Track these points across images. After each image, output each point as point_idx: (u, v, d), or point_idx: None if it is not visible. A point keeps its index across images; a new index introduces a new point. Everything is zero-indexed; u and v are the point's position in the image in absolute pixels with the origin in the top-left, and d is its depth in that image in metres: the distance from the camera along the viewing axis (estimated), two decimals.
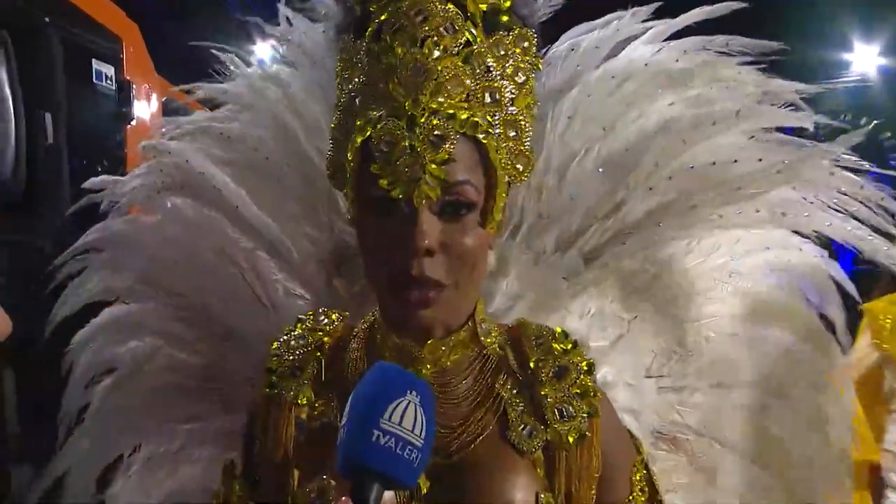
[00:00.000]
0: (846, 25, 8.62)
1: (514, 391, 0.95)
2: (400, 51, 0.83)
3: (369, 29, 0.86)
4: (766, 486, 1.26)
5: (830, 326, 1.31)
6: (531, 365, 0.96)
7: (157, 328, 1.47)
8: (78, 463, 1.51)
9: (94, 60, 2.85)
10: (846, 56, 9.10)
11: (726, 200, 1.24)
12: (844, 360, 1.33)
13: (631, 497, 0.99)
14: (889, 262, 1.24)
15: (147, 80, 3.23)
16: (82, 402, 1.53)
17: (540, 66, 0.93)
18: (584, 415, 0.94)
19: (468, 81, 0.84)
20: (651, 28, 1.36)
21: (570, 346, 0.98)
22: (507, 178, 0.89)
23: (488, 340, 0.96)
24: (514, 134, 0.89)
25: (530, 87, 0.91)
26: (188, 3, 6.89)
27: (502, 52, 0.87)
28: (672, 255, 1.27)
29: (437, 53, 0.82)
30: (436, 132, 0.81)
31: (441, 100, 0.82)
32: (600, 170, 1.27)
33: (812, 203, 1.26)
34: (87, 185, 1.63)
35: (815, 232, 1.29)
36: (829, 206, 1.26)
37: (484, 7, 0.86)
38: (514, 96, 0.88)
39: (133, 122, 3.05)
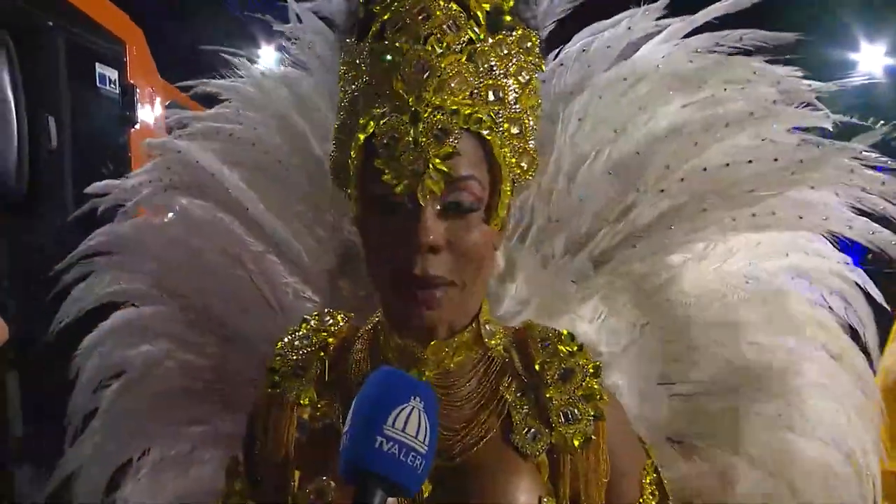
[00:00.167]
0: (852, 25, 8.60)
1: (519, 394, 0.94)
2: (403, 48, 0.83)
3: (372, 29, 0.86)
4: (782, 497, 1.23)
5: (854, 334, 1.28)
6: (536, 367, 0.95)
7: (167, 331, 1.47)
8: (87, 466, 1.52)
9: (97, 64, 2.86)
10: (852, 56, 9.08)
11: (740, 203, 1.22)
12: (870, 369, 1.30)
13: (641, 501, 0.98)
14: None
15: (151, 84, 3.24)
16: (90, 407, 1.54)
17: (543, 66, 0.92)
18: (590, 418, 0.92)
19: (471, 79, 0.84)
20: (664, 26, 1.34)
21: (576, 349, 0.97)
22: (511, 176, 0.88)
23: (493, 342, 0.95)
24: (517, 132, 0.88)
25: (534, 87, 0.91)
26: (188, 3, 6.88)
27: (505, 52, 0.87)
28: (686, 260, 1.26)
29: (440, 50, 0.82)
30: (439, 127, 0.81)
31: (444, 96, 0.82)
32: (610, 173, 1.26)
33: (830, 204, 1.24)
34: (90, 189, 1.64)
35: (831, 233, 1.26)
36: (849, 207, 1.24)
37: (487, 7, 0.86)
38: (517, 95, 0.88)
39: (137, 126, 3.05)
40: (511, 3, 0.88)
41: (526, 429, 0.92)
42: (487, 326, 0.95)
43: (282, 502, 0.92)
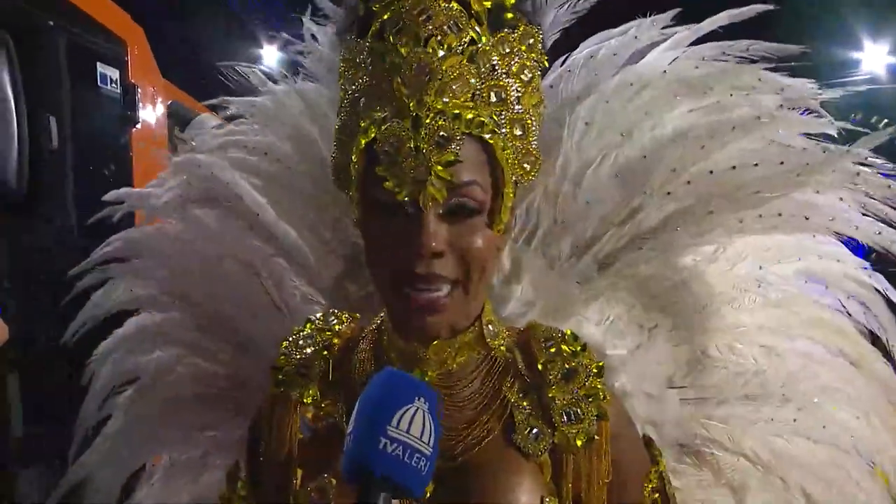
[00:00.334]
0: (855, 24, 8.59)
1: (521, 394, 0.93)
2: (404, 50, 0.82)
3: (372, 28, 0.85)
4: None
5: (871, 338, 1.27)
6: (539, 366, 0.95)
7: (179, 338, 1.48)
8: (100, 471, 1.53)
9: (98, 64, 2.86)
10: (855, 55, 9.07)
11: (746, 205, 1.22)
12: (890, 374, 1.28)
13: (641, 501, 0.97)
14: None
15: (152, 84, 3.24)
16: (102, 413, 1.55)
17: (546, 62, 0.92)
18: (593, 418, 0.92)
19: (473, 80, 0.83)
20: (670, 34, 1.35)
21: (579, 348, 0.97)
22: (514, 178, 0.88)
23: (496, 343, 0.95)
24: (520, 133, 0.88)
25: (536, 85, 0.90)
26: (189, 3, 6.87)
27: (507, 50, 0.86)
28: (696, 263, 1.25)
29: (441, 53, 0.82)
30: (441, 133, 0.80)
31: (446, 100, 0.81)
32: (616, 176, 1.25)
33: (836, 206, 1.23)
34: (109, 197, 1.65)
35: (837, 233, 1.26)
36: (854, 209, 1.23)
37: (488, 4, 0.85)
38: (520, 94, 0.88)
39: (138, 126, 3.06)
40: (513, 0, 0.87)
41: (528, 429, 0.91)
42: (490, 327, 0.95)
43: (284, 501, 0.92)
